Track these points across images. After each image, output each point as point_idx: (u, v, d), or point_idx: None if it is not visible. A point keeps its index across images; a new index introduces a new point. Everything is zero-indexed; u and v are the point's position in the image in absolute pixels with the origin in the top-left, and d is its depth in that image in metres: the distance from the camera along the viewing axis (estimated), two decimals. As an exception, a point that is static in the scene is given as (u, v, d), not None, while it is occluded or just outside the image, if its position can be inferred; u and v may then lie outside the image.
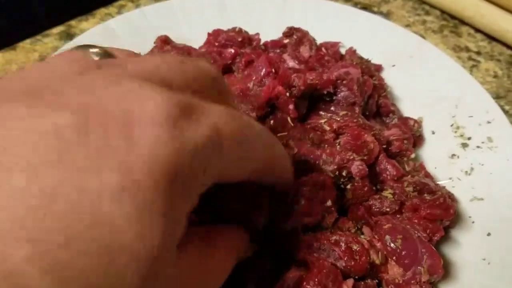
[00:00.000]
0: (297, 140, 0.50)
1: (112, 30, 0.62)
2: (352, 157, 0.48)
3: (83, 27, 0.70)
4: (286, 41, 0.62)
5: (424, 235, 0.46)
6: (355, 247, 0.44)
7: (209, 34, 0.62)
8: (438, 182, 0.54)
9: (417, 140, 0.59)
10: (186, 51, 0.59)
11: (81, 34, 0.68)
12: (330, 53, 0.62)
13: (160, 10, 0.66)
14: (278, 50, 0.62)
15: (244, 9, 0.67)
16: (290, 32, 0.63)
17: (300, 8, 0.68)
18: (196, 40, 0.63)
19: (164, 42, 0.61)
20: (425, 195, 0.49)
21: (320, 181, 0.46)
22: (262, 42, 0.64)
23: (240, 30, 0.62)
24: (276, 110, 0.51)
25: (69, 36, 0.68)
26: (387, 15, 0.76)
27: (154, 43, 0.62)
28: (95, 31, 0.62)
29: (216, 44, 0.61)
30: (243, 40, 0.61)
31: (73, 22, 0.70)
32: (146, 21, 0.64)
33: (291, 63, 0.57)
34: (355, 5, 0.77)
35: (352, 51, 0.63)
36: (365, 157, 0.50)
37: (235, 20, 0.65)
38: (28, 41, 0.67)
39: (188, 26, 0.65)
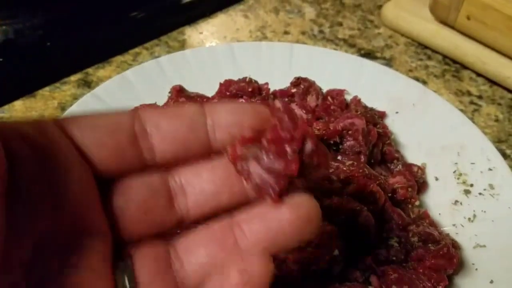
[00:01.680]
0: (306, 189, 0.52)
1: (128, 80, 0.66)
2: (359, 208, 0.50)
3: (100, 75, 0.73)
4: (293, 90, 0.65)
5: (429, 285, 0.48)
6: (363, 297, 0.46)
7: (221, 84, 0.65)
8: (442, 229, 0.56)
9: (421, 186, 0.61)
10: (198, 100, 0.62)
11: (98, 81, 0.71)
12: (336, 102, 0.64)
13: (175, 60, 0.69)
14: (286, 99, 0.64)
15: (254, 59, 0.71)
16: (298, 82, 0.66)
17: (306, 57, 0.71)
18: (209, 89, 0.66)
19: (178, 92, 0.64)
20: (430, 245, 0.51)
21: (328, 230, 0.48)
22: (271, 91, 0.66)
23: (250, 80, 0.65)
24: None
25: (86, 83, 0.71)
26: (390, 61, 0.79)
27: (169, 93, 0.65)
28: (113, 82, 0.65)
29: (228, 93, 0.64)
30: (253, 90, 0.64)
31: (90, 70, 0.73)
32: (161, 71, 0.68)
33: (299, 113, 0.59)
34: (359, 51, 0.80)
35: (357, 100, 0.66)
36: (372, 207, 0.52)
37: (245, 70, 0.68)
38: (47, 88, 0.70)
39: (201, 76, 0.68)
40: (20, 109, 0.67)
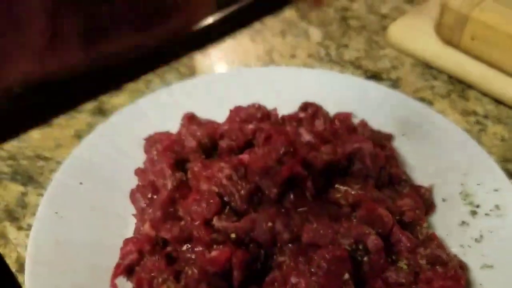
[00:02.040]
0: (316, 215, 0.53)
1: (141, 109, 0.68)
2: (368, 231, 0.52)
3: (114, 102, 0.75)
4: (301, 115, 0.67)
5: (438, 306, 0.49)
6: (374, 322, 0.47)
7: (231, 111, 0.67)
8: (450, 249, 0.57)
9: (428, 207, 0.62)
10: (210, 127, 0.64)
11: (112, 109, 0.74)
12: (343, 126, 0.66)
13: (186, 87, 0.71)
14: (294, 123, 0.66)
15: (262, 84, 0.73)
16: (305, 106, 0.68)
17: (313, 81, 0.73)
18: (220, 115, 0.68)
19: (190, 119, 0.66)
20: (438, 267, 0.52)
21: (338, 254, 0.50)
22: (280, 115, 0.68)
23: (259, 106, 0.67)
24: (295, 185, 0.56)
25: (101, 111, 0.74)
26: (396, 81, 0.80)
27: (181, 120, 0.67)
28: (127, 111, 0.67)
29: (238, 119, 0.66)
30: (262, 115, 0.66)
31: (104, 98, 0.76)
32: (173, 98, 0.70)
33: (308, 137, 0.61)
34: (365, 72, 0.82)
35: (363, 124, 0.67)
36: (380, 230, 0.54)
37: (254, 95, 0.70)
38: (63, 117, 0.73)
39: (212, 102, 0.71)
40: (37, 137, 0.69)
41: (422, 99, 0.78)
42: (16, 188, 0.63)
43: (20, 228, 0.59)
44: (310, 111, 0.67)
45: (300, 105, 0.68)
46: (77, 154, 0.62)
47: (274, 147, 0.58)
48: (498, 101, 0.78)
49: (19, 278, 0.55)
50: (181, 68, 0.81)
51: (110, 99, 0.76)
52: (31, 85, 0.74)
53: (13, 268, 0.56)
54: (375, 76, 0.82)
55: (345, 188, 0.58)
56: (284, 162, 0.56)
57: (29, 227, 0.58)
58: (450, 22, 0.77)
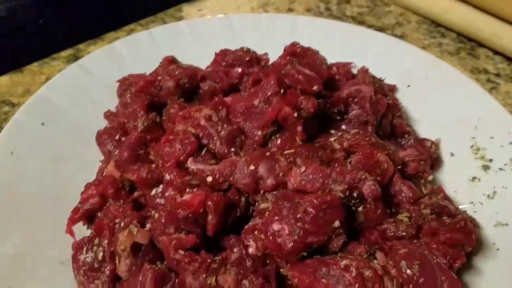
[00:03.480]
0: (305, 158, 0.47)
1: (118, 51, 0.61)
2: (364, 176, 0.45)
3: (91, 51, 0.69)
4: (294, 59, 0.60)
5: (444, 261, 0.42)
6: (367, 273, 0.41)
7: (216, 54, 0.61)
8: (458, 207, 0.50)
9: (434, 162, 0.55)
10: (191, 71, 0.57)
11: (88, 57, 0.67)
12: (342, 72, 0.59)
13: (168, 31, 0.65)
14: (287, 67, 0.59)
15: (253, 30, 0.66)
16: (298, 51, 0.61)
17: (310, 28, 0.67)
18: (205, 61, 0.62)
19: (170, 62, 0.60)
20: (444, 218, 0.45)
21: (328, 200, 0.43)
22: (270, 62, 0.62)
23: (248, 50, 0.61)
24: (283, 128, 0.49)
25: (77, 59, 0.67)
26: (401, 38, 0.74)
27: (160, 63, 0.61)
28: (101, 52, 0.61)
29: (223, 63, 0.59)
30: (250, 59, 0.59)
31: (81, 46, 0.70)
32: (154, 42, 0.63)
33: (301, 76, 0.53)
34: (369, 27, 0.75)
35: (364, 70, 0.60)
36: (378, 178, 0.47)
37: (244, 43, 0.64)
38: (36, 64, 0.67)
39: (196, 47, 0.64)
40: (5, 84, 0.63)
41: (430, 56, 0.71)
42: (-25, 131, 0.57)
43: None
44: (308, 54, 0.60)
45: (295, 44, 0.60)
46: (42, 93, 0.55)
47: (261, 89, 0.51)
48: (510, 59, 0.71)
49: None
50: (167, 19, 0.75)
51: (88, 47, 0.70)
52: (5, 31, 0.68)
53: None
54: (379, 31, 0.75)
55: (340, 133, 0.51)
56: (272, 102, 0.49)
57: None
58: (461, -29, 0.71)
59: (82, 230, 0.47)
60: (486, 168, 0.53)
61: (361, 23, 0.75)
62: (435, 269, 0.42)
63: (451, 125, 0.58)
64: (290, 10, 0.77)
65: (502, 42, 0.70)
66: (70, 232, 0.45)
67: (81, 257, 0.43)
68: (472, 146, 0.56)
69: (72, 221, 0.46)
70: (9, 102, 0.60)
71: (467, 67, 0.70)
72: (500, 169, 0.53)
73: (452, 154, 0.56)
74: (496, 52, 0.72)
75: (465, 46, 0.73)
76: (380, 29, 0.74)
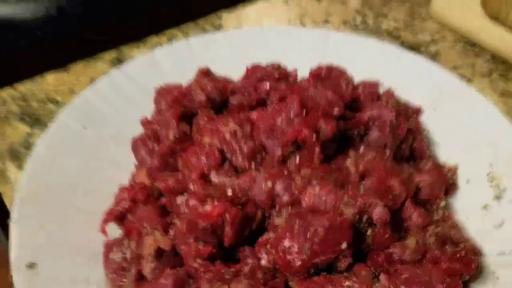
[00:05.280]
0: (320, 178, 0.50)
1: (157, 60, 0.66)
2: (374, 202, 0.47)
3: (134, 54, 0.73)
4: (322, 77, 0.63)
5: (442, 288, 0.45)
6: (368, 295, 0.43)
7: (247, 69, 0.64)
8: (468, 234, 0.52)
9: (450, 188, 0.57)
10: (222, 85, 0.61)
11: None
12: (367, 92, 0.61)
13: (206, 42, 0.68)
14: (313, 87, 0.62)
15: (286, 43, 0.69)
16: (328, 70, 0.63)
17: (342, 44, 0.69)
18: (238, 72, 0.65)
19: (204, 74, 0.63)
20: (447, 246, 0.47)
21: (338, 222, 0.46)
22: (299, 78, 0.64)
23: (278, 66, 0.64)
24: (302, 148, 0.52)
25: (119, 62, 0.72)
26: (434, 56, 0.75)
27: (195, 74, 0.64)
28: (141, 60, 0.65)
29: (254, 78, 0.62)
30: (279, 75, 0.62)
31: (124, 49, 0.74)
32: (191, 52, 0.67)
33: (324, 100, 0.55)
34: (402, 44, 0.76)
35: (389, 93, 0.62)
36: (390, 203, 0.49)
37: (276, 54, 0.67)
38: (80, 64, 0.72)
39: (231, 58, 0.67)
40: (51, 82, 0.68)
41: (461, 76, 0.72)
42: (22, 129, 0.63)
43: (20, 168, 0.59)
44: (333, 74, 0.63)
45: (321, 67, 0.63)
46: (84, 97, 0.60)
47: (285, 107, 0.54)
48: (544, 84, 0.71)
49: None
50: (206, 26, 0.79)
51: (130, 51, 0.74)
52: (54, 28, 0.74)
53: (10, 205, 0.56)
54: (413, 48, 0.76)
55: (357, 154, 0.53)
56: (294, 123, 0.52)
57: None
58: (499, -6, 0.71)
59: (111, 228, 0.51)
60: (498, 197, 0.55)
61: (396, 38, 0.76)
62: (432, 296, 0.44)
63: (472, 150, 0.59)
64: (326, 21, 0.79)
65: (536, 66, 0.70)
66: (104, 231, 0.50)
67: (112, 256, 0.48)
68: (488, 174, 0.57)
69: (106, 221, 0.51)
70: (54, 100, 0.66)
71: (497, 89, 0.70)
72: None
73: (468, 181, 0.57)
74: (529, 76, 0.72)
75: (498, 68, 0.73)
76: (415, 46, 0.75)
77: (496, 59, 0.75)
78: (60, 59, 0.70)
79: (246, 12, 0.82)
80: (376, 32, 0.78)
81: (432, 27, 0.80)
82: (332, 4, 0.82)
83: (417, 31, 0.79)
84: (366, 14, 0.81)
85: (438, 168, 0.58)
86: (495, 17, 0.73)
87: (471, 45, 0.77)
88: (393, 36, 0.77)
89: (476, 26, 0.75)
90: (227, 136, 0.53)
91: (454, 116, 0.62)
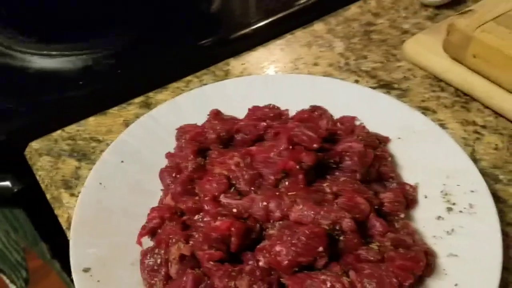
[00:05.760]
0: (303, 198, 0.65)
1: (178, 104, 0.82)
2: (344, 215, 0.63)
3: (158, 98, 0.90)
4: (307, 115, 0.78)
5: (395, 280, 0.59)
6: (337, 285, 0.58)
7: (249, 110, 0.80)
8: (424, 239, 0.67)
9: (411, 202, 0.71)
10: (230, 123, 0.77)
11: (156, 103, 0.88)
12: (344, 127, 0.77)
13: (216, 89, 0.84)
14: (299, 123, 0.76)
15: (280, 88, 0.84)
16: (313, 109, 0.79)
17: (325, 87, 0.84)
18: (243, 113, 0.81)
19: (215, 115, 0.80)
20: (400, 249, 0.62)
21: (316, 231, 0.61)
22: (291, 115, 0.80)
23: (274, 106, 0.79)
24: (289, 175, 0.67)
25: (147, 105, 0.88)
26: (405, 91, 0.89)
27: (208, 115, 0.80)
28: (166, 105, 0.81)
29: (254, 117, 0.78)
30: (274, 115, 0.78)
31: (150, 94, 0.90)
32: (205, 97, 0.83)
33: (306, 137, 0.70)
34: (378, 82, 0.91)
35: (361, 127, 0.77)
36: (357, 215, 0.64)
37: (273, 97, 0.82)
38: (116, 108, 0.88)
39: (238, 101, 0.83)
40: (93, 124, 0.85)
41: (427, 108, 0.87)
42: (72, 163, 0.79)
43: (72, 195, 0.75)
44: (317, 113, 0.78)
45: (304, 111, 0.79)
46: (122, 138, 0.77)
47: (277, 143, 0.70)
48: (498, 114, 0.85)
49: (68, 234, 0.71)
50: (217, 72, 0.95)
51: (155, 95, 0.91)
52: (91, 78, 0.91)
53: (64, 225, 0.72)
54: (387, 85, 0.91)
55: (333, 178, 0.68)
56: (283, 156, 0.68)
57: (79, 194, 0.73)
58: (455, 41, 0.85)
59: (145, 240, 0.67)
60: (449, 209, 0.69)
61: (373, 77, 0.91)
62: (388, 286, 0.59)
63: (429, 172, 0.73)
64: (316, 64, 0.94)
65: (491, 100, 0.84)
66: (139, 243, 0.66)
67: (146, 261, 0.64)
68: (442, 191, 0.71)
69: (141, 235, 0.66)
70: (96, 139, 0.81)
71: (459, 118, 0.84)
72: (460, 211, 0.68)
73: (425, 196, 0.72)
74: (486, 106, 0.86)
75: (460, 100, 0.87)
76: (389, 83, 0.90)
77: (458, 92, 0.89)
78: (99, 105, 0.86)
79: (249, 57, 0.98)
80: (357, 71, 0.93)
81: (405, 66, 0.94)
82: (320, 49, 0.98)
83: (391, 70, 0.93)
84: (349, 57, 0.96)
85: (401, 186, 0.72)
86: (455, 59, 0.88)
87: (437, 81, 0.91)
88: (371, 75, 0.92)
89: (440, 66, 0.89)
90: (233, 167, 0.69)
91: (416, 145, 0.77)
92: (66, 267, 1.11)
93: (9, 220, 1.19)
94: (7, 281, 1.35)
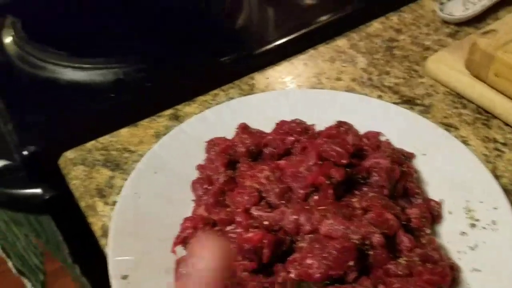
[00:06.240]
0: (333, 213, 0.67)
1: (206, 117, 0.84)
2: (373, 230, 0.65)
3: (186, 111, 0.92)
4: (335, 131, 0.80)
5: (423, 294, 0.61)
6: (367, 299, 0.60)
7: (276, 124, 0.82)
8: (448, 254, 0.69)
9: (436, 217, 0.73)
10: (258, 137, 0.79)
11: (185, 116, 0.91)
12: (370, 143, 0.79)
13: (243, 103, 0.87)
14: (326, 138, 0.78)
15: (305, 103, 0.87)
16: (339, 124, 0.81)
17: (349, 102, 0.87)
18: (269, 127, 0.83)
19: (243, 129, 0.82)
20: (428, 264, 0.64)
21: (346, 245, 0.63)
22: (317, 130, 0.82)
23: (300, 121, 0.82)
24: (319, 190, 0.69)
25: (176, 117, 0.91)
26: (428, 107, 0.91)
27: (236, 128, 0.83)
28: (195, 118, 0.84)
29: (281, 131, 0.81)
30: (301, 129, 0.80)
31: (179, 107, 0.93)
32: (232, 111, 0.86)
33: (334, 152, 0.73)
34: (401, 97, 0.93)
35: (387, 143, 0.79)
36: (386, 231, 0.66)
37: (299, 112, 0.85)
38: (147, 120, 0.91)
39: (264, 115, 0.86)
40: (125, 135, 0.88)
41: (449, 125, 0.89)
42: (106, 173, 0.81)
43: (106, 203, 0.77)
44: (343, 128, 0.81)
45: (331, 127, 0.81)
46: (154, 150, 0.79)
47: (306, 157, 0.72)
48: (518, 131, 0.87)
49: (101, 241, 0.73)
50: (242, 86, 0.97)
51: (184, 108, 0.93)
52: (123, 91, 0.94)
53: (98, 233, 0.74)
54: (409, 101, 0.93)
55: (361, 193, 0.71)
56: (312, 170, 0.70)
57: (113, 203, 0.76)
58: (477, 59, 0.88)
59: (179, 249, 0.69)
60: (473, 225, 0.71)
61: (396, 92, 0.93)
62: (417, 300, 0.61)
63: (453, 189, 0.75)
64: (338, 79, 0.96)
65: (511, 118, 0.86)
66: (174, 251, 0.68)
67: (180, 269, 0.66)
68: (465, 207, 0.73)
69: (175, 244, 0.69)
70: (128, 150, 0.84)
71: (480, 136, 0.86)
72: (483, 227, 0.70)
73: (450, 212, 0.74)
74: (507, 124, 0.88)
75: (482, 117, 0.89)
76: (411, 99, 0.92)
77: (480, 110, 0.91)
78: (130, 116, 0.89)
79: (273, 72, 1.00)
80: (380, 87, 0.96)
81: (427, 82, 0.97)
82: (343, 64, 1.00)
83: (414, 86, 0.96)
84: (372, 72, 0.98)
85: (427, 202, 0.74)
86: (477, 76, 0.90)
87: (459, 98, 0.94)
88: (393, 91, 0.95)
89: (462, 83, 0.91)
90: (263, 180, 0.71)
91: (440, 161, 0.79)
92: (86, 271, 1.14)
93: (32, 225, 1.22)
94: (29, 284, 1.37)
